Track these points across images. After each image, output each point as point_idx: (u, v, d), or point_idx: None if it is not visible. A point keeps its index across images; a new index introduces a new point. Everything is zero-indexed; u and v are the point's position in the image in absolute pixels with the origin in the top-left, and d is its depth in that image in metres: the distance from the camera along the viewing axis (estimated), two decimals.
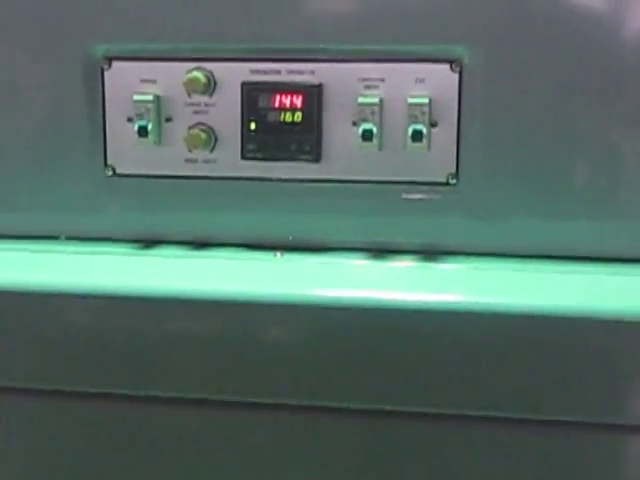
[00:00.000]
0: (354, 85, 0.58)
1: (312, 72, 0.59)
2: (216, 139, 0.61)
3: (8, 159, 0.64)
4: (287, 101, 0.59)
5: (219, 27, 0.60)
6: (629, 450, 0.56)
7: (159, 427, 0.60)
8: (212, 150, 0.61)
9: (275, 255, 0.61)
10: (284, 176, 0.61)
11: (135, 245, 0.64)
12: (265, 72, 0.59)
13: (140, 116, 0.60)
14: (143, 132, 0.60)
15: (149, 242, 0.64)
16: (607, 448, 0.55)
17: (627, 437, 0.55)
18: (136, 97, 0.60)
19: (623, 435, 0.54)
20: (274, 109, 0.59)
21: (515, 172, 0.58)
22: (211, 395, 0.57)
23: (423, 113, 0.57)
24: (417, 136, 0.57)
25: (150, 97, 0.60)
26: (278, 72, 0.59)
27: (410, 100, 0.57)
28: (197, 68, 0.59)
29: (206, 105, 0.60)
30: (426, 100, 0.57)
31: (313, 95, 0.59)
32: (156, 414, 0.59)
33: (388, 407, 0.55)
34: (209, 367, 0.55)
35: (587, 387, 0.51)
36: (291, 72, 0.59)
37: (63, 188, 0.64)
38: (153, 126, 0.60)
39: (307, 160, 0.60)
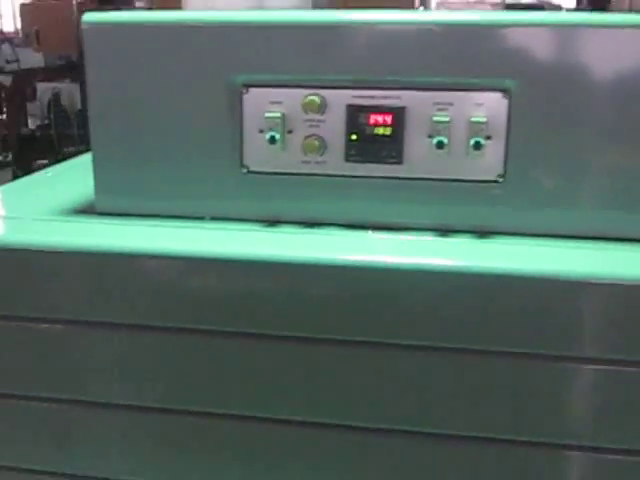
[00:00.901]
0: (430, 108, 0.74)
1: (398, 97, 0.75)
2: (325, 146, 0.77)
3: (173, 161, 0.80)
4: (379, 119, 0.75)
5: (329, 63, 0.75)
6: None
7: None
8: (322, 154, 0.77)
9: (368, 232, 0.77)
10: (375, 174, 0.77)
11: (262, 224, 0.80)
12: (363, 97, 0.75)
13: (270, 129, 0.76)
14: (272, 141, 0.76)
15: (272, 222, 0.80)
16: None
17: None
18: (267, 115, 0.76)
19: None
20: (370, 125, 0.75)
21: (546, 173, 0.74)
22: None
23: (481, 129, 0.73)
24: (477, 146, 0.72)
25: (278, 114, 0.76)
26: (373, 97, 0.75)
27: (472, 119, 0.73)
28: (313, 93, 0.75)
29: (318, 121, 0.76)
30: (484, 119, 0.73)
31: (399, 115, 0.75)
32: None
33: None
34: (327, 316, 0.72)
35: None
36: (383, 97, 0.75)
37: (210, 182, 0.81)
38: (279, 136, 0.76)
39: (393, 163, 0.76)
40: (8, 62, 4.75)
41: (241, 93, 0.77)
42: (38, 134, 4.12)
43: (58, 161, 4.06)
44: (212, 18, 0.78)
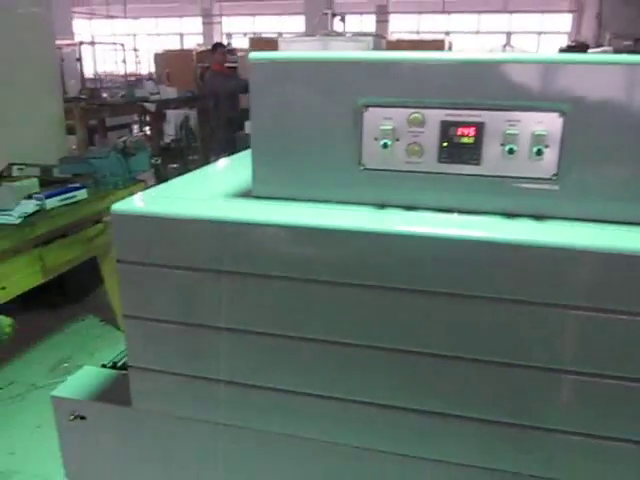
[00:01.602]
0: (503, 123, 0.93)
1: (479, 116, 0.94)
2: (423, 151, 0.97)
3: (311, 160, 1.03)
4: (465, 131, 0.95)
5: (428, 90, 0.96)
6: None
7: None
8: (421, 157, 0.98)
9: (454, 215, 0.97)
10: (460, 172, 0.97)
11: (373, 207, 1.02)
12: (453, 115, 0.95)
13: (383, 137, 0.98)
14: (385, 146, 0.98)
15: (381, 205, 1.02)
16: None
17: None
18: (382, 127, 0.98)
19: None
20: (457, 135, 0.95)
21: (589, 173, 0.91)
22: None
23: (542, 140, 0.91)
24: (538, 152, 0.91)
25: (390, 127, 0.98)
26: (460, 115, 0.95)
27: (535, 132, 0.91)
28: (416, 112, 0.96)
29: (419, 132, 0.97)
30: (544, 133, 0.91)
31: (479, 128, 0.94)
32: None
33: None
34: (422, 274, 0.92)
35: None
36: (468, 115, 0.95)
37: (337, 176, 1.03)
38: (390, 143, 0.98)
39: (474, 164, 0.96)
40: (151, 94, 5.50)
41: (362, 112, 0.99)
42: (172, 145, 4.68)
43: (186, 165, 4.45)
44: (342, 57, 1.00)
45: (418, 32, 15.28)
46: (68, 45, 7.89)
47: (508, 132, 0.93)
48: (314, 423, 1.07)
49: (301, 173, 1.05)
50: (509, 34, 15.38)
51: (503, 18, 15.38)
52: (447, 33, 14.10)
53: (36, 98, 3.90)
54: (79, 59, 7.16)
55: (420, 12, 15.90)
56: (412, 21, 16.00)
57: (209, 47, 10.24)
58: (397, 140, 0.99)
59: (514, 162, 0.94)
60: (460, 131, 0.95)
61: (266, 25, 17.88)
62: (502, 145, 0.94)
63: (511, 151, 0.93)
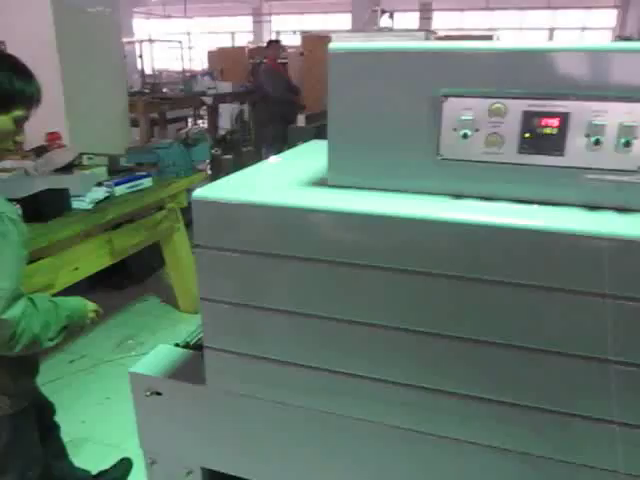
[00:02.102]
0: (589, 114, 0.87)
1: (565, 106, 0.88)
2: (503, 141, 0.92)
3: (387, 150, 0.99)
4: (548, 122, 0.89)
5: (511, 80, 0.90)
6: None
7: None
8: (500, 147, 0.93)
9: (533, 206, 0.92)
10: (541, 163, 0.91)
11: (449, 197, 0.97)
12: (537, 105, 0.90)
13: (463, 128, 0.93)
14: (465, 136, 0.93)
15: (457, 196, 0.97)
16: None
17: None
18: (462, 117, 0.93)
19: None
20: (540, 126, 0.90)
21: None
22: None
23: (631, 131, 0.85)
24: (626, 144, 0.85)
25: (470, 117, 0.93)
26: (544, 106, 0.89)
27: (624, 123, 0.85)
28: (497, 102, 0.91)
29: (499, 123, 0.92)
30: (634, 124, 0.85)
31: (564, 119, 0.88)
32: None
33: None
34: (495, 264, 0.88)
35: None
36: (552, 106, 0.89)
37: (413, 165, 0.99)
38: (470, 133, 0.93)
39: (556, 155, 0.90)
40: (208, 88, 5.55)
41: (441, 102, 0.95)
42: (228, 137, 4.71)
43: (239, 156, 4.44)
44: (422, 47, 0.96)
45: (461, 29, 14.91)
46: (129, 43, 8.02)
47: (595, 123, 0.87)
48: (370, 405, 1.05)
49: (377, 163, 1.02)
50: (552, 30, 14.86)
51: (546, 14, 14.85)
52: (490, 30, 13.71)
53: (104, 92, 3.97)
54: (141, 56, 7.27)
55: (463, 9, 15.51)
56: (455, 18, 15.63)
57: (259, 44, 10.26)
58: (476, 130, 0.94)
59: (599, 153, 0.88)
60: (544, 122, 0.90)
61: (313, 23, 17.79)
62: (587, 136, 0.88)
63: (597, 142, 0.87)
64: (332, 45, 1.00)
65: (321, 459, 1.16)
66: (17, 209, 1.27)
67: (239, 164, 4.85)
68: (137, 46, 7.70)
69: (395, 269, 0.94)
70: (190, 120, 7.33)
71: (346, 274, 0.97)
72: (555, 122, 0.89)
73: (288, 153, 1.47)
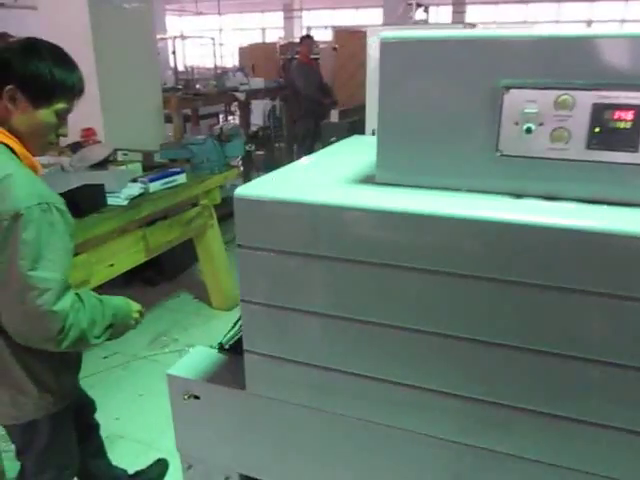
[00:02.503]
0: None
1: (638, 98, 0.81)
2: (570, 136, 0.85)
3: (440, 145, 0.93)
4: (622, 115, 0.82)
5: (580, 70, 0.83)
6: None
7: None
8: (567, 143, 0.85)
9: (602, 206, 0.84)
10: (612, 160, 0.84)
11: (509, 196, 0.90)
12: (609, 97, 0.82)
13: (526, 121, 0.86)
14: (528, 131, 0.86)
15: (518, 195, 0.90)
16: None
17: None
18: (525, 110, 0.86)
19: None
20: (612, 120, 0.82)
21: None
22: None
23: None
24: None
25: (534, 110, 0.86)
26: (617, 97, 0.82)
27: None
28: (564, 94, 0.84)
29: (566, 116, 0.85)
30: None
31: (639, 112, 0.81)
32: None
33: None
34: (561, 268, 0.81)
35: None
36: (626, 97, 0.81)
37: (469, 162, 0.92)
38: (534, 128, 0.86)
39: (629, 151, 0.82)
40: (241, 84, 5.54)
41: (502, 94, 0.88)
42: (260, 133, 4.69)
43: (271, 152, 4.40)
44: (481, 35, 0.89)
45: (495, 22, 14.60)
46: (161, 39, 8.06)
47: None
48: (414, 414, 0.99)
49: (430, 159, 0.95)
50: (589, 23, 14.44)
51: (584, 6, 14.44)
52: (525, 23, 13.41)
53: (139, 88, 3.97)
54: (174, 52, 7.30)
55: (497, 2, 15.20)
56: (489, 11, 15.32)
57: (291, 40, 10.22)
58: (541, 125, 0.87)
59: None
60: (616, 115, 0.82)
61: (344, 18, 17.68)
62: None
63: None
64: (384, 34, 0.94)
65: (363, 469, 1.10)
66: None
67: (271, 161, 4.82)
68: (169, 43, 7.74)
69: (453, 273, 0.88)
70: (221, 116, 7.34)
71: (398, 277, 0.91)
72: (629, 115, 0.82)
73: (329, 149, 1.41)
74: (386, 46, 0.94)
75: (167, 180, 2.80)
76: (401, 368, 0.97)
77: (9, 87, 1.22)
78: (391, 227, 0.89)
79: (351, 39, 5.72)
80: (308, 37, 6.17)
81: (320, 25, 15.26)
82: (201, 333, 3.08)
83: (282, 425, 1.13)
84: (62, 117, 1.30)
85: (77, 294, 1.25)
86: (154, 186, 2.73)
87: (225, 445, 1.22)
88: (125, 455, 2.14)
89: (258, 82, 5.69)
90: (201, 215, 2.98)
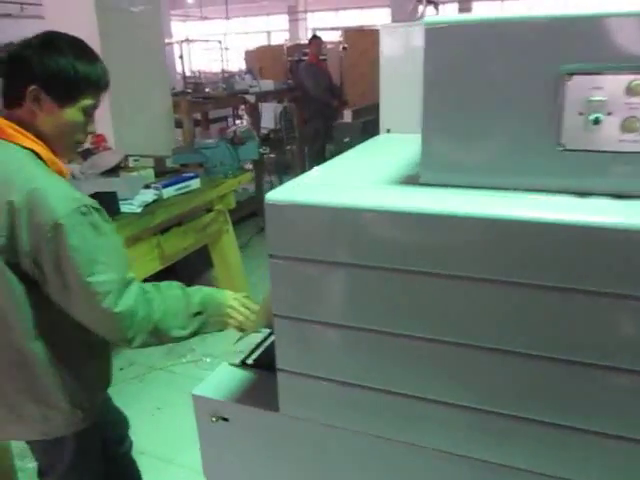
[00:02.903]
0: None
1: None
2: None
3: (494, 140, 0.84)
4: None
5: None
6: None
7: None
8: None
9: None
10: None
11: (572, 195, 0.81)
12: None
13: (593, 111, 0.77)
14: (595, 122, 0.77)
15: (582, 194, 0.81)
16: None
17: None
18: (591, 99, 0.77)
19: None
20: None
21: None
22: None
23: None
24: None
25: (602, 98, 0.76)
26: None
27: None
28: (637, 79, 0.74)
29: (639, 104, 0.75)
30: None
31: None
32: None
33: None
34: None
35: None
36: None
37: (526, 158, 0.83)
38: (602, 118, 0.76)
39: None
40: (250, 87, 5.49)
41: (564, 81, 0.78)
42: (271, 136, 4.61)
43: (283, 154, 4.28)
44: (539, 16, 0.80)
45: None
46: (168, 44, 8.01)
47: None
48: (464, 438, 0.90)
49: (483, 157, 0.86)
50: None
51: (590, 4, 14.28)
52: None
53: (148, 93, 3.91)
54: (181, 57, 7.24)
55: None
56: (495, 7, 15.19)
57: (297, 42, 10.16)
58: (609, 114, 0.77)
59: None
60: None
61: (349, 19, 17.60)
62: None
63: None
64: (428, 19, 0.85)
65: None
66: None
67: (283, 164, 4.74)
68: (176, 47, 7.68)
69: (522, 283, 0.78)
70: (230, 120, 7.28)
71: (456, 287, 0.82)
72: None
73: (359, 149, 1.31)
74: (431, 32, 0.85)
75: (181, 185, 2.72)
76: (455, 390, 0.88)
77: (32, 87, 1.14)
78: (454, 232, 0.80)
79: (360, 39, 5.65)
80: (316, 38, 6.09)
81: (325, 27, 15.22)
82: (219, 342, 2.98)
83: (319, 449, 1.04)
84: (89, 114, 1.22)
85: (151, 285, 1.23)
86: (167, 192, 2.66)
87: (256, 470, 1.14)
88: (146, 472, 2.05)
89: (268, 84, 5.62)
90: (216, 220, 2.90)
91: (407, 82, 4.59)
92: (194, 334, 1.29)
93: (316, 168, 1.12)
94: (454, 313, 0.83)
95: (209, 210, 2.92)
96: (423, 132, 0.89)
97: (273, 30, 19.71)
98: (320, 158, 6.28)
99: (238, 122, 7.52)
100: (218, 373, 1.20)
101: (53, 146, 1.20)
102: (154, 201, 2.56)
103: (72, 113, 1.18)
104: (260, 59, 8.52)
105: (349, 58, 5.68)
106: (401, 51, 4.04)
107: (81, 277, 1.11)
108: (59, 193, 1.11)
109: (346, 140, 4.20)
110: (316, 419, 1.01)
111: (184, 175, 2.79)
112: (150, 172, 2.97)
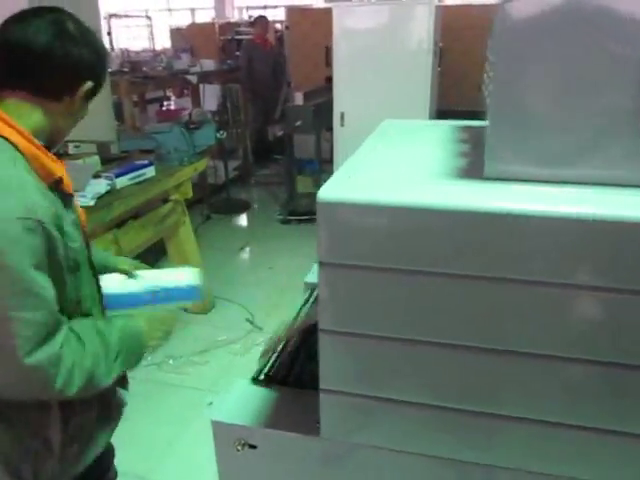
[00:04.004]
0: None
1: None
2: None
3: (579, 133, 0.75)
4: None
5: None
6: None
7: None
8: None
9: None
10: None
11: None
12: None
13: None
14: None
15: None
16: None
17: None
18: None
19: None
20: None
21: None
22: None
23: None
24: None
25: None
26: None
27: None
28: None
29: None
30: None
31: None
32: None
33: None
34: None
35: None
36: None
37: (617, 151, 0.75)
38: None
39: None
40: (190, 66, 5.19)
41: None
42: (215, 118, 4.38)
43: (229, 140, 4.01)
44: None
45: None
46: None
47: None
48: (517, 452, 0.83)
49: (561, 149, 0.77)
50: None
51: None
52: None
53: None
54: (109, 33, 6.78)
55: None
56: None
57: (229, 20, 9.81)
58: None
59: None
60: None
61: None
62: None
63: None
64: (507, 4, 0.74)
65: None
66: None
67: (226, 148, 4.53)
68: (104, 23, 7.16)
69: (611, 289, 0.71)
70: (165, 102, 6.94)
71: (547, 295, 0.73)
72: None
73: (377, 138, 1.19)
74: (507, 10, 0.74)
75: (135, 174, 2.49)
76: (521, 404, 0.80)
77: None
78: (550, 234, 0.71)
79: (304, 18, 5.47)
80: (262, 17, 5.87)
81: (257, 5, 14.78)
82: (182, 341, 2.80)
83: (364, 474, 0.94)
84: (87, 102, 1.03)
85: (69, 328, 0.94)
86: (121, 182, 2.42)
87: None
88: None
89: (208, 64, 5.33)
90: (174, 211, 2.69)
91: (361, 64, 4.50)
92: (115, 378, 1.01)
93: (347, 162, 0.98)
94: (544, 323, 0.75)
95: (165, 200, 2.71)
96: (490, 123, 0.79)
97: (198, 8, 19.02)
98: (260, 141, 6.11)
99: (166, 103, 7.17)
100: (234, 393, 1.06)
101: (59, 138, 1.03)
102: (107, 192, 2.33)
103: (72, 105, 0.99)
104: (190, 38, 8.09)
105: (292, 38, 5.49)
106: (354, 31, 3.93)
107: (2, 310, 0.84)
108: (7, 193, 0.86)
109: (298, 124, 4.06)
110: (364, 442, 0.90)
111: (137, 163, 2.56)
112: (96, 159, 2.71)
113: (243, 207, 4.93)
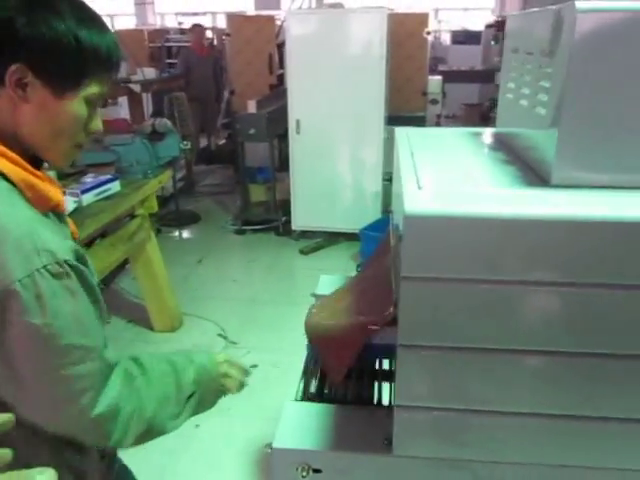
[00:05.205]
0: None
1: None
2: None
3: None
4: None
5: None
6: None
7: None
8: None
9: None
10: None
11: None
12: None
13: None
14: None
15: None
16: None
17: None
18: None
19: None
20: None
21: None
22: None
23: None
24: None
25: None
26: None
27: None
28: None
29: None
30: None
31: None
32: None
33: None
34: None
35: None
36: None
37: None
38: None
39: None
40: (129, 74, 5.01)
41: None
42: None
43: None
44: None
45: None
46: None
47: None
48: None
49: (623, 155, 0.81)
50: (437, 11, 15.19)
51: None
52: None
53: None
54: None
55: None
56: None
57: (156, 28, 9.57)
58: None
59: None
60: None
61: (199, 5, 16.98)
62: None
63: None
64: (580, 5, 0.76)
65: None
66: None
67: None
68: None
69: None
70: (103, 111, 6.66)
71: (626, 298, 0.76)
72: None
73: (407, 146, 1.18)
74: (584, 18, 0.76)
75: (100, 190, 2.37)
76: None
77: (15, 67, 0.74)
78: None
79: (246, 25, 5.41)
80: (198, 25, 5.78)
81: (178, 12, 14.50)
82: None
83: None
84: (94, 105, 0.83)
85: (132, 361, 0.87)
86: (87, 198, 2.30)
87: None
88: None
89: (149, 72, 5.18)
90: (142, 227, 2.58)
91: (314, 71, 4.52)
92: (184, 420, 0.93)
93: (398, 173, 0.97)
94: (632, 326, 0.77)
95: (130, 216, 2.59)
96: (560, 128, 0.81)
97: (117, 14, 18.42)
98: (202, 150, 6.01)
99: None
100: (288, 416, 1.03)
101: (43, 153, 0.83)
102: (74, 210, 2.20)
103: (73, 105, 0.80)
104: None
105: (234, 45, 5.43)
106: (307, 38, 3.92)
107: (50, 370, 0.76)
108: (20, 244, 0.73)
109: (251, 132, 4.01)
110: (444, 456, 0.89)
111: (102, 178, 2.44)
112: (53, 174, 2.56)
113: (193, 219, 4.81)
